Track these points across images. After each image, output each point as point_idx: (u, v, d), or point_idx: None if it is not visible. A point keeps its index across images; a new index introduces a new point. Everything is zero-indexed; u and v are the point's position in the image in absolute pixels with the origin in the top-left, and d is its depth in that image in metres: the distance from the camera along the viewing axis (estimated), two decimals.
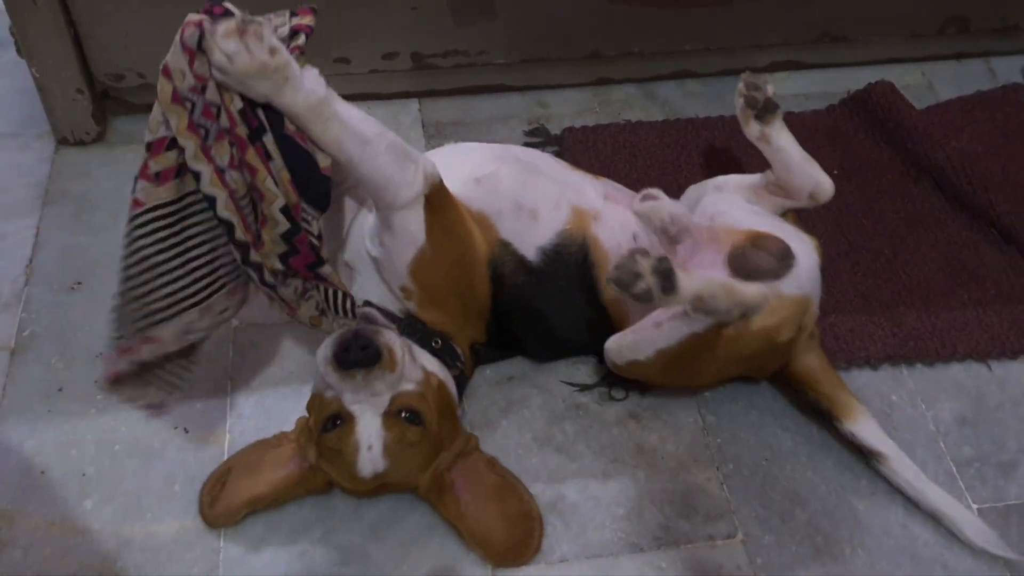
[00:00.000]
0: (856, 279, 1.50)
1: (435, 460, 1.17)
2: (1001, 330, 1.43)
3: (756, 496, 1.27)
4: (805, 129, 1.70)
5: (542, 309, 1.29)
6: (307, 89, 1.04)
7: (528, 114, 1.74)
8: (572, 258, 1.27)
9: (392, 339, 1.13)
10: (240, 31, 0.97)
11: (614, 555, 1.20)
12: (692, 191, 1.41)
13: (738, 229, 1.25)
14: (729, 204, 1.32)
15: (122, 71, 1.60)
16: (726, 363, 1.23)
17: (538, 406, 1.34)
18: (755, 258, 1.20)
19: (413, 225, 1.16)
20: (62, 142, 1.64)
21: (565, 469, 1.28)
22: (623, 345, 1.22)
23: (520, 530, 1.19)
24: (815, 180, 1.32)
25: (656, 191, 1.30)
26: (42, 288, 1.43)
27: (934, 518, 1.24)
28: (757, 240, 1.22)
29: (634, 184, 1.58)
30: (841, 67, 1.84)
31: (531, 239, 1.26)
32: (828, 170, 1.62)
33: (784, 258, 1.20)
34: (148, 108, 1.65)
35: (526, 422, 1.32)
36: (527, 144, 1.67)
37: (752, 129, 1.33)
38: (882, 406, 1.36)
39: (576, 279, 1.27)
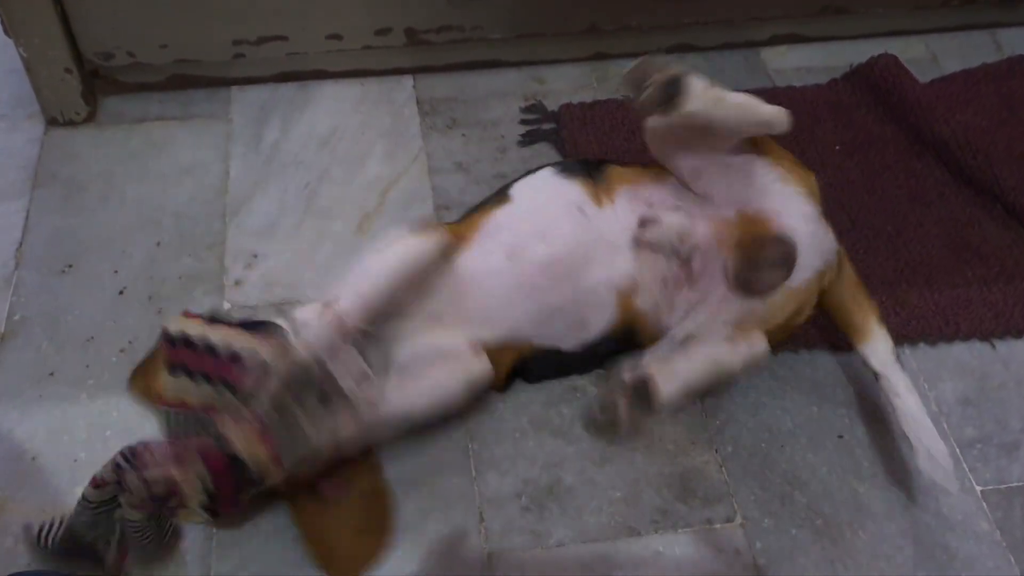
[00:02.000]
0: (858, 256, 1.47)
1: None
2: (1005, 308, 1.41)
3: (755, 479, 1.25)
4: (807, 104, 1.67)
5: (566, 365, 1.31)
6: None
7: (524, 90, 1.71)
8: (616, 336, 1.25)
9: None
10: None
11: (611, 539, 1.19)
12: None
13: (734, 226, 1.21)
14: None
15: (111, 50, 1.57)
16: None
17: (535, 389, 1.32)
18: (760, 279, 1.18)
19: None
20: (51, 122, 1.61)
21: (562, 452, 1.26)
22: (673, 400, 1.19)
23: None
24: (764, 119, 1.12)
25: (652, 211, 1.23)
26: (32, 272, 1.41)
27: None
28: (756, 252, 1.17)
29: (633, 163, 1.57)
30: (843, 40, 1.81)
31: (576, 340, 1.26)
32: (829, 145, 1.62)
33: (787, 262, 1.16)
34: (138, 87, 1.65)
35: (523, 405, 1.31)
36: (523, 121, 1.65)
37: (664, 120, 1.13)
38: None
39: (616, 343, 1.27)
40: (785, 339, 1.28)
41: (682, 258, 1.23)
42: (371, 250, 1.16)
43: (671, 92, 1.07)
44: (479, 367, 1.19)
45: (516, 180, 1.29)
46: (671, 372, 1.16)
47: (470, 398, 1.20)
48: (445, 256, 1.19)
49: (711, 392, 1.31)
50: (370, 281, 1.13)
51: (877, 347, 1.24)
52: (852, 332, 1.26)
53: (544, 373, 1.32)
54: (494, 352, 1.22)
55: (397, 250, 1.16)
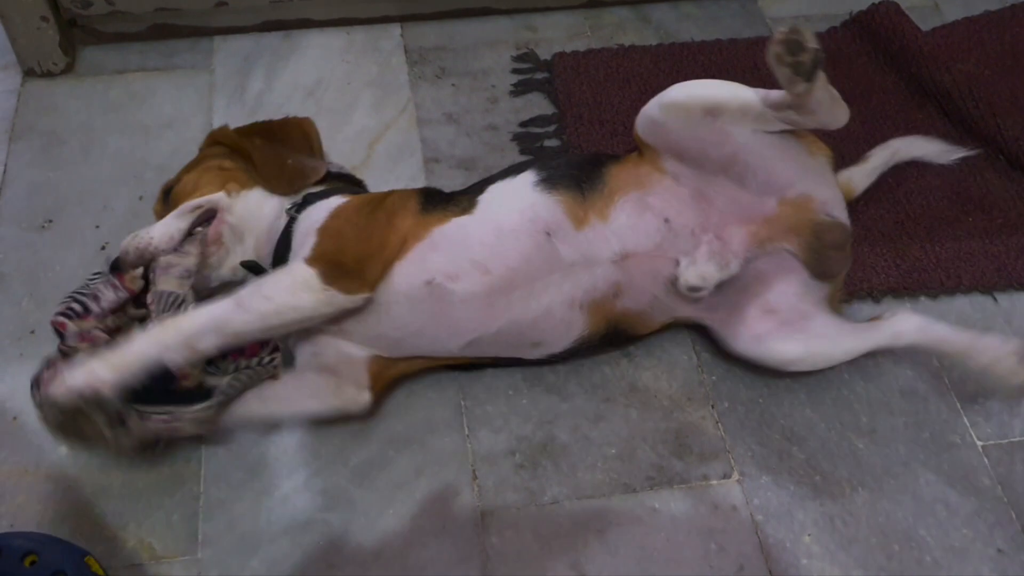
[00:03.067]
0: (858, 208, 1.44)
1: None
2: (1007, 260, 1.38)
3: (752, 435, 1.23)
4: None
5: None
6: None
7: (516, 38, 1.66)
8: (600, 338, 1.20)
9: None
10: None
11: (606, 496, 1.17)
12: (679, 119, 1.12)
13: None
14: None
15: None
16: None
17: None
18: (831, 266, 1.17)
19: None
20: (28, 73, 1.56)
21: (556, 409, 1.24)
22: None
23: None
24: (836, 116, 1.08)
25: (671, 234, 1.15)
26: (11, 227, 1.37)
27: None
28: (819, 242, 1.15)
29: (628, 113, 1.53)
30: None
31: (533, 355, 1.21)
32: None
33: (847, 242, 1.17)
34: (118, 37, 1.60)
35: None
36: (515, 70, 1.61)
37: (797, 88, 1.02)
38: None
39: (606, 343, 1.23)
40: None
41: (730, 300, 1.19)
42: (264, 294, 1.08)
43: (817, 64, 0.99)
44: (359, 402, 1.17)
45: (496, 180, 1.20)
46: None
47: (336, 418, 1.19)
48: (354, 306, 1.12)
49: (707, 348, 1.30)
50: (242, 325, 1.07)
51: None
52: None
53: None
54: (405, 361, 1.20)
55: (296, 301, 1.08)
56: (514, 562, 1.12)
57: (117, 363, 1.02)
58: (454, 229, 1.14)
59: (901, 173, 1.48)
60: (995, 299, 1.37)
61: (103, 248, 1.35)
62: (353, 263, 1.09)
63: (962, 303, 1.37)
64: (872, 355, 1.29)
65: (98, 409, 1.02)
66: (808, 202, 1.14)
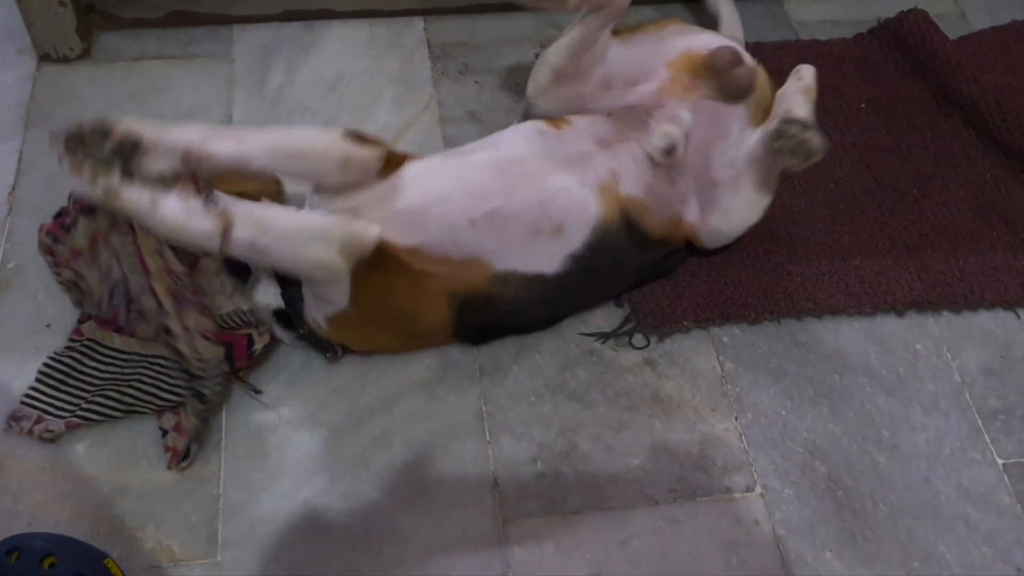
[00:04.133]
0: (882, 219, 1.43)
1: None
2: None
3: (775, 448, 1.23)
4: (832, 59, 1.61)
5: (564, 299, 1.26)
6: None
7: (539, 36, 1.64)
8: (616, 235, 1.20)
9: None
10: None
11: (628, 507, 1.16)
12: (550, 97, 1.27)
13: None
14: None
15: None
16: None
17: (550, 351, 1.28)
18: (736, 79, 1.26)
19: (334, 294, 1.12)
20: (44, 59, 1.53)
21: (578, 417, 1.23)
22: None
23: None
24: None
25: (652, 140, 1.23)
26: (26, 218, 1.35)
27: None
28: (713, 68, 1.26)
29: None
30: None
31: (555, 254, 1.18)
32: (855, 103, 1.57)
33: (738, 56, 1.27)
34: (136, 23, 1.57)
35: (538, 368, 1.27)
36: None
37: (791, 162, 1.19)
38: (907, 355, 1.31)
39: (624, 246, 1.22)
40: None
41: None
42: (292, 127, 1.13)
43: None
44: (359, 224, 1.08)
45: None
46: None
47: (343, 258, 1.07)
48: (361, 175, 1.12)
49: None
50: (263, 142, 1.08)
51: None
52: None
53: (532, 315, 1.24)
54: (435, 274, 1.13)
55: (316, 139, 1.10)
56: (535, 571, 1.11)
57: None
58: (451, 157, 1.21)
59: (926, 184, 1.47)
60: (1018, 315, 1.37)
61: None
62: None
63: (984, 318, 1.36)
64: (895, 369, 1.29)
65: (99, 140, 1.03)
66: (688, 53, 1.27)
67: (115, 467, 1.15)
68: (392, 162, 1.14)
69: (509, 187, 1.15)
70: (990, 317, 1.36)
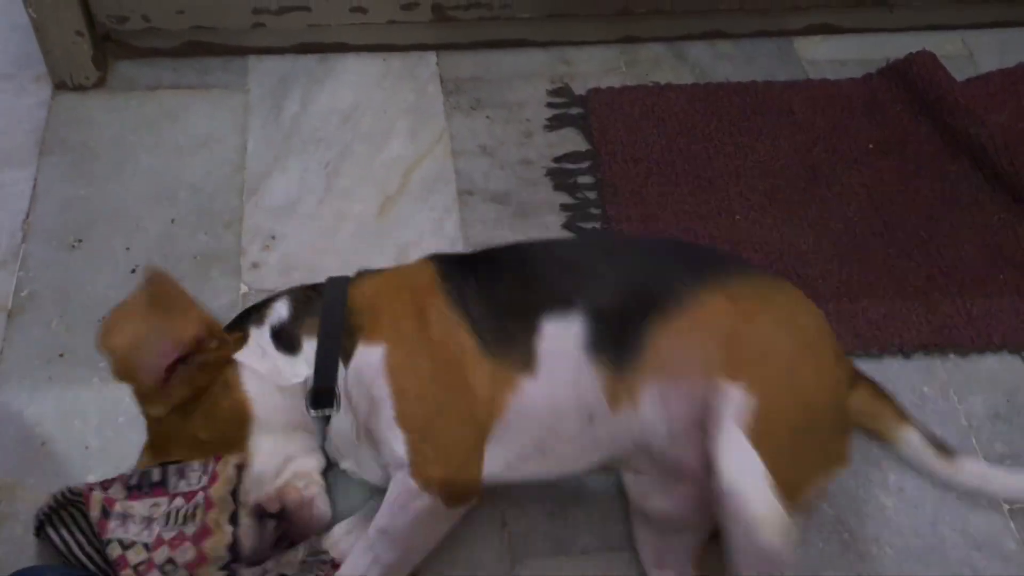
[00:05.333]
0: (890, 261, 1.44)
1: None
2: None
3: None
4: (841, 98, 1.63)
5: None
6: None
7: (551, 72, 1.66)
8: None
9: None
10: None
11: (636, 549, 1.17)
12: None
13: None
14: None
15: (125, 13, 1.51)
16: None
17: None
18: None
19: None
20: (60, 86, 1.55)
21: None
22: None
23: None
24: None
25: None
26: (41, 245, 1.36)
27: None
28: None
29: (662, 152, 1.53)
30: (879, 32, 1.76)
31: None
32: (863, 143, 1.59)
33: None
34: (152, 52, 1.59)
35: None
36: (550, 104, 1.60)
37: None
38: (914, 398, 1.32)
39: None
40: None
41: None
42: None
43: None
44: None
45: (543, 300, 1.05)
46: None
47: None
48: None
49: None
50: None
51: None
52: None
53: None
54: None
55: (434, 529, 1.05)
56: None
57: None
58: (523, 401, 1.03)
59: (934, 227, 1.48)
60: None
61: (133, 271, 1.34)
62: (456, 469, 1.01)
63: (991, 362, 1.37)
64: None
65: None
66: None
67: None
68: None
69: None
70: (997, 361, 1.37)
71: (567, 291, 1.06)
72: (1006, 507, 1.24)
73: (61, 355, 1.26)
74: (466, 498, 1.03)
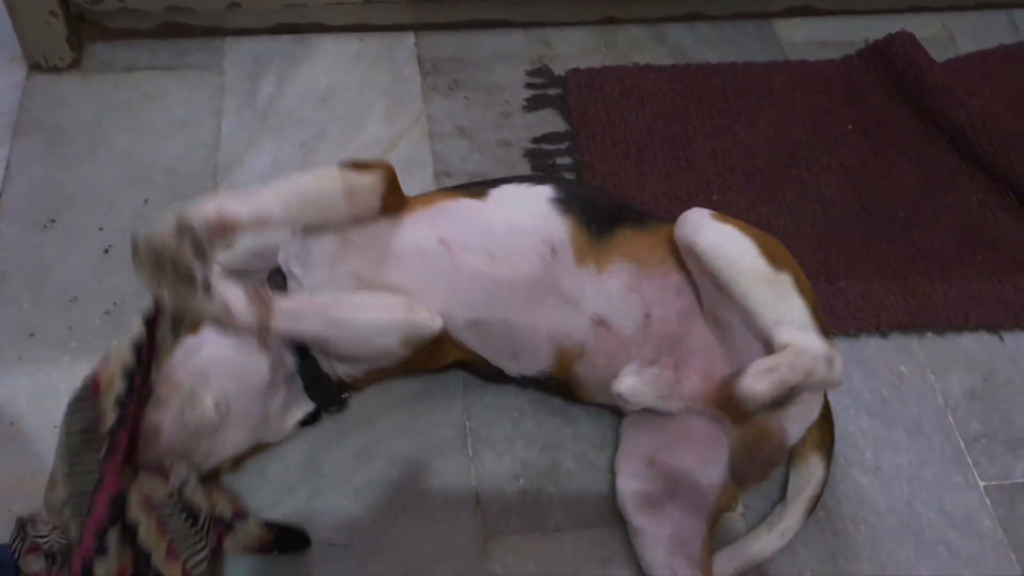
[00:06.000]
0: (869, 243, 1.44)
1: None
2: (1015, 301, 1.38)
3: None
4: (820, 80, 1.63)
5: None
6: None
7: (531, 52, 1.65)
8: (553, 385, 1.17)
9: None
10: None
11: (610, 526, 1.16)
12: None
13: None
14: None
15: None
16: None
17: None
18: (753, 475, 1.07)
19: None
20: (34, 67, 1.53)
21: (561, 433, 1.23)
22: None
23: None
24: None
25: (624, 379, 1.08)
26: (13, 225, 1.35)
27: None
28: (755, 451, 1.04)
29: (641, 133, 1.52)
30: (858, 14, 1.76)
31: (512, 368, 1.15)
32: (842, 124, 1.58)
33: (781, 461, 1.13)
34: (127, 33, 1.58)
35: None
36: (528, 85, 1.59)
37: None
38: (891, 377, 1.32)
39: (556, 390, 1.20)
40: None
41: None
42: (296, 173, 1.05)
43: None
44: (422, 315, 1.07)
45: (510, 181, 1.16)
46: None
47: (403, 347, 1.07)
48: (368, 202, 1.06)
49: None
50: (272, 195, 1.02)
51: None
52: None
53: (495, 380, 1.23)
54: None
55: (318, 179, 1.05)
56: None
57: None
58: (465, 207, 1.11)
59: (913, 209, 1.48)
60: (1001, 339, 1.37)
61: (106, 252, 1.33)
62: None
63: (968, 341, 1.37)
64: (879, 393, 1.30)
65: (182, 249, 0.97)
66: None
67: None
68: (393, 196, 1.08)
69: (493, 307, 1.09)
70: (974, 340, 1.37)
71: (535, 179, 1.18)
72: (982, 484, 1.24)
73: (32, 335, 1.25)
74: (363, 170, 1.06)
